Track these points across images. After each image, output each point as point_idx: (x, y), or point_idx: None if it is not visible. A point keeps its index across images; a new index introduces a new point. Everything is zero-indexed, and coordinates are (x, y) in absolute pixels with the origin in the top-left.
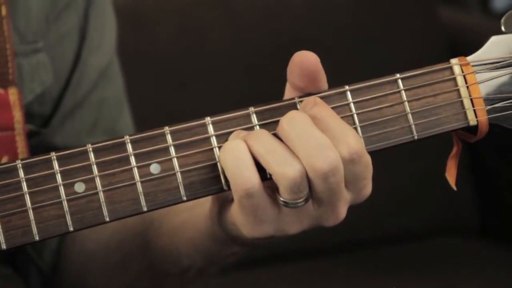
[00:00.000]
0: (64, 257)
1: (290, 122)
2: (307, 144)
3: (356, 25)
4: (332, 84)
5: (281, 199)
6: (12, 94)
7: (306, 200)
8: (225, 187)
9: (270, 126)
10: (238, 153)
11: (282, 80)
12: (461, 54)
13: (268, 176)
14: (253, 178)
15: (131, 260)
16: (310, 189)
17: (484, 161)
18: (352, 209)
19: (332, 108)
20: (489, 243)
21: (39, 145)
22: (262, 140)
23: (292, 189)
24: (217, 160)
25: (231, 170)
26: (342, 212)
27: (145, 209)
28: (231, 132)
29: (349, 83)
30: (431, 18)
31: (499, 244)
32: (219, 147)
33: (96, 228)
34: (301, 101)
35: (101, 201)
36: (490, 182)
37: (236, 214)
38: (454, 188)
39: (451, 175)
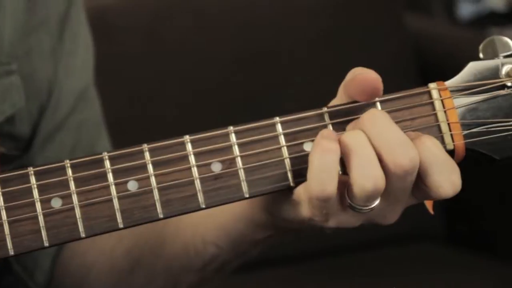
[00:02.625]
0: (61, 274)
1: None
2: (391, 141)
3: (321, 34)
4: (306, 92)
5: (350, 202)
6: None
7: (372, 209)
8: (202, 206)
9: (248, 146)
10: (330, 157)
11: (257, 87)
12: (427, 62)
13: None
14: (332, 187)
15: (141, 264)
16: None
17: None
18: None
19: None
20: (455, 248)
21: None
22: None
23: (367, 199)
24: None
25: (315, 170)
26: (400, 212)
27: (121, 226)
28: (209, 151)
29: (318, 89)
30: (396, 26)
31: (465, 248)
32: (197, 166)
33: (100, 237)
34: (281, 122)
35: (77, 217)
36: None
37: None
38: (432, 213)
39: (428, 201)
